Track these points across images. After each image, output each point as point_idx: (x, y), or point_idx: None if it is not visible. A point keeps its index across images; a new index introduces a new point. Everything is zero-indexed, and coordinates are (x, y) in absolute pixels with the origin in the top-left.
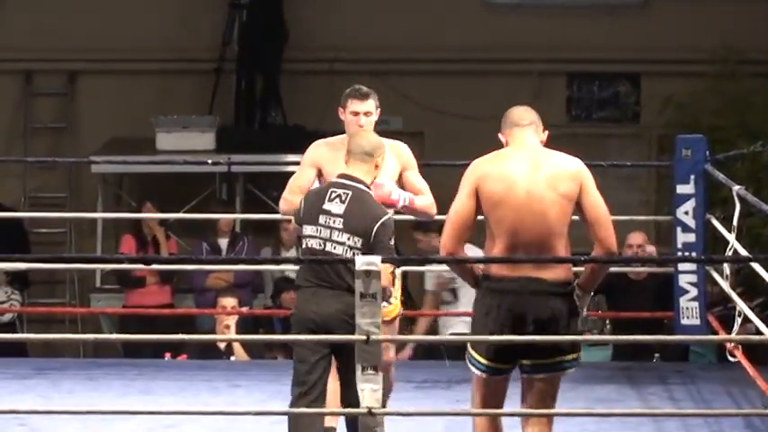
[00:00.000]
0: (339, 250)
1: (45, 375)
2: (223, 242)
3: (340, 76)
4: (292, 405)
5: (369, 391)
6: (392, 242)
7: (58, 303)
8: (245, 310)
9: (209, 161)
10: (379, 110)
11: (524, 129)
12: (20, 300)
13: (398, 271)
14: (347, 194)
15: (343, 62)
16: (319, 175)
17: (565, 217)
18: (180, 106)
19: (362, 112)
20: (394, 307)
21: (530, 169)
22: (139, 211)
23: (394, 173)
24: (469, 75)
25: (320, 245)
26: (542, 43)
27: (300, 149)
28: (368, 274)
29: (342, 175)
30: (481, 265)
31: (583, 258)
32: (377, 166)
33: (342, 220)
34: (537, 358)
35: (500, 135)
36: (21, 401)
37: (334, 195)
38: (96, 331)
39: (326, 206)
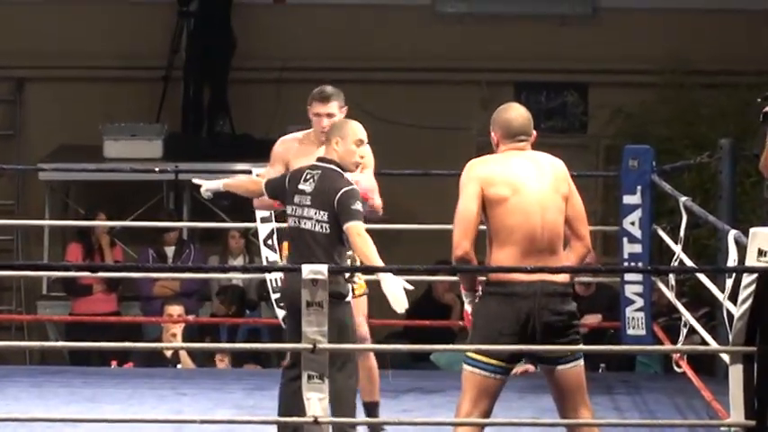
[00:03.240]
0: (308, 225)
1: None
2: (170, 250)
3: (288, 84)
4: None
5: (315, 399)
6: (359, 206)
7: (4, 310)
8: (191, 318)
9: (157, 169)
10: (344, 108)
11: (522, 143)
12: None
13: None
14: (317, 174)
15: (290, 71)
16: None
17: (563, 220)
18: (128, 114)
19: (324, 114)
20: (360, 285)
21: (533, 173)
22: (89, 220)
23: None
24: (418, 84)
25: (295, 222)
26: (490, 53)
27: (248, 158)
28: (314, 282)
29: (318, 158)
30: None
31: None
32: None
33: (310, 197)
34: (552, 355)
35: (492, 135)
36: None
37: (308, 176)
38: (43, 339)
39: (300, 186)
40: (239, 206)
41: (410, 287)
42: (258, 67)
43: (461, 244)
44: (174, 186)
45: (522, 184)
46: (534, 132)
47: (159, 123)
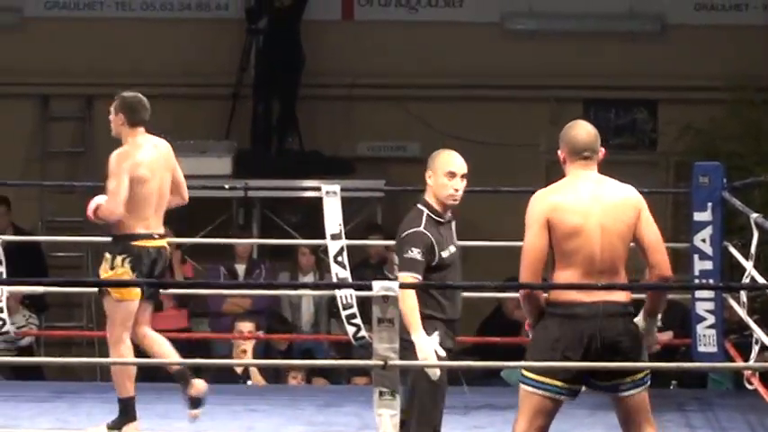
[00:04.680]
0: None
1: (63, 398)
2: (240, 268)
3: (357, 101)
4: None
5: (387, 416)
6: (412, 254)
7: (75, 327)
8: (261, 334)
9: (227, 186)
10: (117, 115)
11: (588, 160)
12: (37, 323)
13: None
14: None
15: (360, 87)
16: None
17: (627, 244)
18: (197, 131)
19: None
20: None
21: (597, 200)
22: None
23: None
24: (487, 101)
25: None
26: (559, 69)
27: (317, 175)
28: (385, 299)
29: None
30: (544, 294)
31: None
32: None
33: None
34: (615, 378)
35: (559, 152)
36: (39, 425)
37: None
38: None
39: None
40: (309, 222)
41: (442, 352)
42: (327, 84)
43: (527, 281)
44: (243, 203)
45: (586, 212)
46: (602, 150)
47: (228, 140)
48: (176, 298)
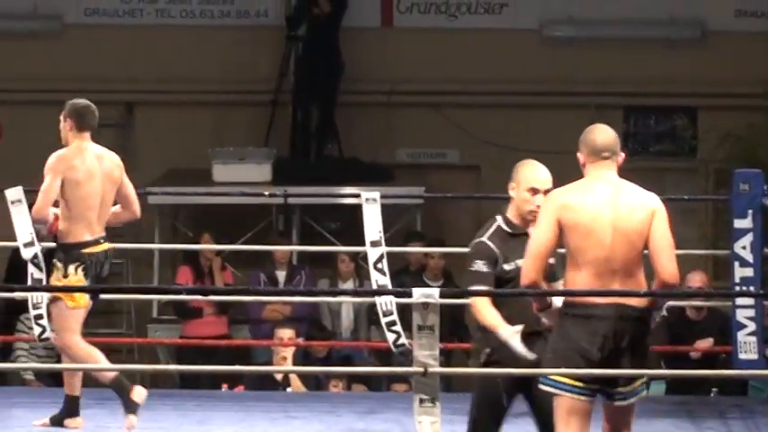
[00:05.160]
0: None
1: (103, 405)
2: (281, 274)
3: (396, 108)
4: None
5: (427, 423)
6: (478, 266)
7: (115, 334)
8: (301, 341)
9: (266, 193)
10: (66, 121)
11: (606, 161)
12: None
13: None
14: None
15: (399, 94)
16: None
17: (641, 247)
18: (236, 138)
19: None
20: None
21: (611, 202)
22: (197, 243)
23: None
24: (526, 108)
25: None
26: (599, 76)
27: (356, 181)
28: (425, 306)
29: None
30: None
31: (642, 292)
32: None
33: None
34: (625, 384)
35: (579, 154)
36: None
37: None
38: (153, 362)
39: None
40: (349, 229)
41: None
42: (366, 91)
43: (529, 275)
44: (283, 210)
45: (598, 213)
46: (622, 154)
47: (268, 147)
48: (216, 304)
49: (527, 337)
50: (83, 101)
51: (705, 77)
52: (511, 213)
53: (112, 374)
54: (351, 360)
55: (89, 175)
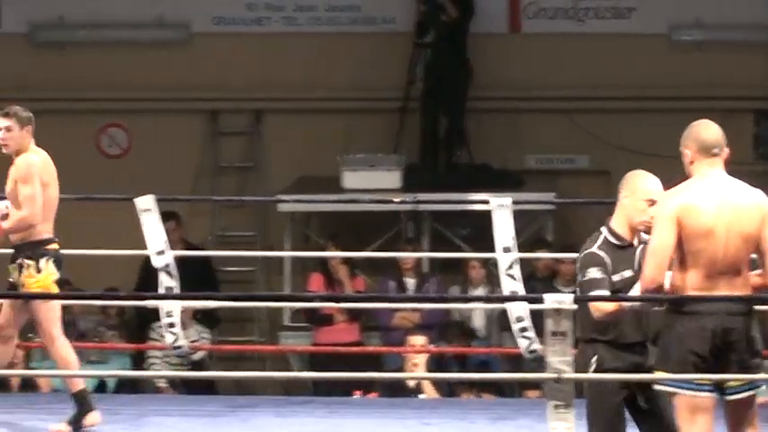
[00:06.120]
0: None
1: (236, 413)
2: (410, 282)
3: (525, 114)
4: None
5: (562, 429)
6: (591, 274)
7: (247, 341)
8: (432, 348)
9: (397, 200)
10: (24, 128)
11: (715, 158)
12: (210, 338)
13: None
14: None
15: (528, 100)
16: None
17: (750, 247)
18: (365, 145)
19: (3, 127)
20: None
21: (727, 202)
22: (326, 251)
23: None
24: (655, 112)
25: None
26: (728, 80)
27: (486, 188)
28: (558, 312)
29: None
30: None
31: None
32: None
33: None
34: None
35: (686, 150)
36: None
37: None
38: (285, 369)
39: None
40: (479, 235)
41: None
42: (495, 97)
43: (656, 279)
44: (413, 216)
45: (714, 211)
46: (727, 150)
47: (397, 154)
48: (348, 311)
49: (638, 347)
50: (24, 108)
51: None
52: (617, 223)
53: (82, 385)
54: (488, 366)
55: (53, 178)
